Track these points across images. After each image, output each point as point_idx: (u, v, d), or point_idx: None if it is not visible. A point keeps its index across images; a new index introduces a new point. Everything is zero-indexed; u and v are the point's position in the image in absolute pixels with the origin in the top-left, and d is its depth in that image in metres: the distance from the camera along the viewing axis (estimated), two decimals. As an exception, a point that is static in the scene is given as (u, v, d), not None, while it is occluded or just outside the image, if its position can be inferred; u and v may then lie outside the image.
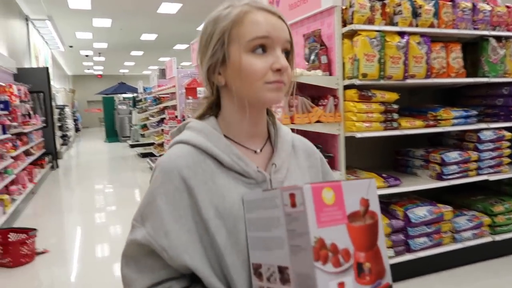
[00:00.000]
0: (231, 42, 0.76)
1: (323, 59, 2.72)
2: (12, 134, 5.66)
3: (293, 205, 0.62)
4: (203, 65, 0.82)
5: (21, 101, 7.24)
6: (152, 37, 14.69)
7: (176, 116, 7.32)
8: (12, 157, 5.33)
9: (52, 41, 14.17)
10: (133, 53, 18.63)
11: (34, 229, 3.54)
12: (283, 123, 2.61)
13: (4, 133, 5.07)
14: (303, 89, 3.05)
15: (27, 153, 7.04)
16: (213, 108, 0.86)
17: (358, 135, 2.61)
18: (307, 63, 2.86)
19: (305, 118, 2.58)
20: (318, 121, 2.63)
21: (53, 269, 3.49)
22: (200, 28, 0.87)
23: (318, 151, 1.00)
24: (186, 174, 0.77)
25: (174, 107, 7.58)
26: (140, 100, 12.39)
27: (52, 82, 14.47)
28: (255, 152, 0.85)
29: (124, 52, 18.11)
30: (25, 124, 7.35)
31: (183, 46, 16.34)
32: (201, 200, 0.77)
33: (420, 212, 2.90)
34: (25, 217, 5.13)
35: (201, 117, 0.87)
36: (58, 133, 11.63)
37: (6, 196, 4.63)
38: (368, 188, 0.68)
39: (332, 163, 2.79)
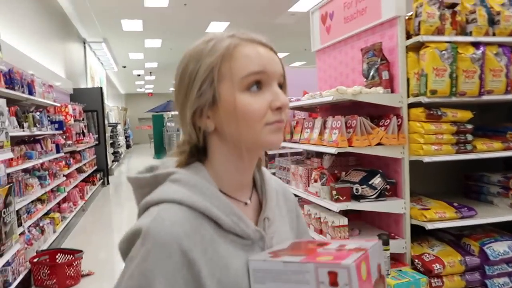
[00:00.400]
0: (222, 80, 0.66)
1: (384, 74, 2.46)
2: (65, 153, 5.83)
3: (334, 284, 0.57)
4: (186, 109, 0.69)
5: (76, 120, 7.52)
6: (200, 56, 14.96)
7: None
8: (64, 175, 5.46)
9: (107, 62, 14.90)
10: (182, 71, 19.09)
11: (81, 251, 3.51)
12: (340, 147, 2.40)
13: (58, 152, 5.21)
14: (360, 108, 2.79)
15: (79, 170, 7.26)
16: (196, 155, 0.73)
17: (426, 159, 2.30)
18: (365, 80, 2.61)
19: (364, 140, 2.32)
20: (378, 144, 2.36)
21: (98, 292, 3.42)
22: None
23: (292, 193, 0.93)
24: (186, 246, 0.62)
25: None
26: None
27: (106, 101, 15.13)
28: (245, 204, 0.75)
29: (173, 70, 18.44)
30: (79, 142, 7.61)
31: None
32: (204, 276, 0.62)
33: (500, 248, 2.50)
34: (75, 235, 5.20)
35: (183, 166, 0.72)
36: (110, 150, 12.04)
37: (57, 215, 4.71)
38: (379, 251, 0.66)
39: (394, 190, 2.49)
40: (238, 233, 0.68)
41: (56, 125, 5.24)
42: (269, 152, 5.21)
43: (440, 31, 2.30)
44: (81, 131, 8.08)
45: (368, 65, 2.56)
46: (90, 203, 7.25)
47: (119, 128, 16.30)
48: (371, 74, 2.53)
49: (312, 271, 0.58)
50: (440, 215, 2.33)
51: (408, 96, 2.40)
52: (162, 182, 0.68)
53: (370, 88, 2.44)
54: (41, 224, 4.28)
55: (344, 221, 2.40)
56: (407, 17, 2.42)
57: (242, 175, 0.73)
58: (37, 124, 4.25)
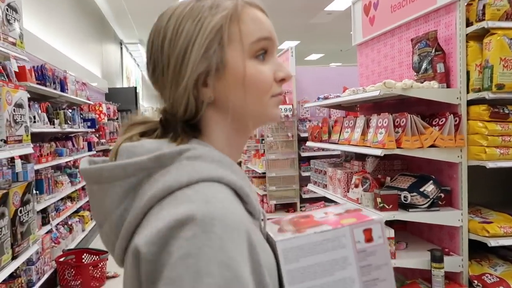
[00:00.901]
0: (230, 44, 0.58)
1: (439, 67, 2.16)
2: (97, 151, 5.82)
3: (369, 240, 0.61)
4: (182, 76, 0.58)
5: (110, 119, 7.56)
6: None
7: (255, 135, 7.05)
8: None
9: (143, 63, 15.11)
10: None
11: (106, 252, 3.40)
12: (387, 148, 2.12)
13: (90, 150, 5.18)
14: (409, 105, 2.50)
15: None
16: (190, 132, 0.61)
17: (490, 164, 1.98)
18: (416, 74, 2.31)
19: (416, 141, 2.03)
20: (432, 145, 2.06)
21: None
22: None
23: None
24: (248, 227, 0.51)
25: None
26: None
27: (140, 101, 15.38)
28: None
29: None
30: (112, 141, 7.65)
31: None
32: (262, 261, 0.51)
33: None
34: (105, 234, 5.15)
35: (175, 141, 0.59)
36: (144, 150, 12.14)
37: (86, 213, 4.66)
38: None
39: (449, 199, 2.17)
40: (256, 213, 0.59)
41: (89, 123, 5.22)
42: (303, 154, 4.97)
43: (509, 16, 1.98)
44: (115, 130, 8.14)
45: (420, 56, 2.27)
46: None
47: (153, 128, 16.51)
48: (424, 66, 2.23)
49: (348, 234, 0.61)
50: (505, 230, 2.00)
51: (467, 92, 2.09)
52: (171, 162, 0.54)
53: (423, 82, 2.15)
54: (69, 222, 4.23)
55: (391, 233, 2.12)
56: (467, 2, 2.12)
57: (238, 152, 0.66)
58: (68, 121, 4.21)
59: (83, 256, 3.41)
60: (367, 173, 2.33)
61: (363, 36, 3.13)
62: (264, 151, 5.05)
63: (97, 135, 6.58)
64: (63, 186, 3.94)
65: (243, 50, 0.58)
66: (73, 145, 4.52)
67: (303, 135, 4.82)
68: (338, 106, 3.33)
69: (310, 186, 3.22)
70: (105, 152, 6.88)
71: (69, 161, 4.36)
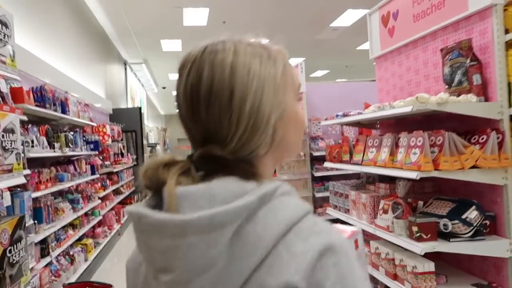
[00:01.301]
0: (286, 89, 0.62)
1: (476, 79, 1.94)
2: (101, 174, 5.62)
3: (356, 247, 0.72)
4: (261, 116, 0.57)
5: (114, 140, 7.39)
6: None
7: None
8: (100, 198, 5.22)
9: (147, 83, 15.08)
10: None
11: (110, 286, 3.14)
12: (423, 170, 1.88)
13: (94, 173, 4.98)
14: (439, 120, 2.27)
15: (116, 192, 7.06)
16: (247, 169, 0.58)
17: (542, 187, 1.74)
18: (447, 87, 2.10)
19: (455, 162, 1.80)
20: (473, 166, 1.83)
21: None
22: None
23: None
24: None
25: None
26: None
27: (145, 122, 15.27)
28: None
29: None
30: (117, 163, 7.45)
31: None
32: None
33: None
34: (108, 262, 4.89)
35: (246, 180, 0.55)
36: (149, 171, 11.93)
37: (89, 241, 4.42)
38: None
39: (493, 227, 1.93)
40: None
41: (92, 145, 5.03)
42: (316, 174, 4.73)
43: (555, 20, 1.78)
44: (119, 152, 7.96)
45: (452, 68, 2.06)
46: (126, 226, 6.99)
47: (158, 148, 16.34)
48: (457, 78, 2.02)
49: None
50: None
51: (510, 106, 1.87)
52: (269, 200, 0.53)
53: (458, 96, 1.93)
54: (71, 252, 3.98)
55: (430, 266, 1.87)
56: (505, 8, 1.92)
57: None
58: (70, 144, 4.02)
59: (85, 290, 3.17)
60: (399, 198, 2.09)
61: (381, 48, 2.93)
62: (275, 171, 4.82)
63: (101, 157, 6.40)
64: (64, 213, 3.72)
65: (294, 94, 0.64)
66: (75, 169, 4.32)
67: (315, 154, 4.60)
68: (356, 123, 3.11)
69: (330, 211, 2.97)
70: (109, 175, 6.69)
71: (71, 186, 4.15)
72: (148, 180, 0.56)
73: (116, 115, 8.52)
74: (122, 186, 7.41)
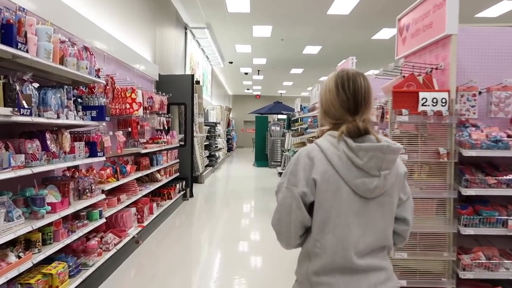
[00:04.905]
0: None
1: None
2: (108, 157, 3.93)
3: None
4: (371, 108, 1.33)
5: (153, 112, 5.75)
6: (315, 49, 12.66)
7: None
8: (103, 191, 3.54)
9: (213, 56, 13.51)
10: (293, 70, 17.11)
11: None
12: None
13: (94, 154, 3.28)
14: None
15: (144, 179, 5.41)
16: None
17: None
18: None
19: None
20: None
21: None
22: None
23: None
24: None
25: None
26: (297, 120, 10.24)
27: (209, 99, 13.67)
28: None
29: (284, 69, 16.71)
30: (154, 141, 5.81)
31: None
32: None
33: None
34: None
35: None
36: (204, 154, 10.35)
37: (60, 267, 2.70)
38: None
39: None
40: None
41: (94, 113, 3.33)
42: (465, 192, 2.59)
43: None
44: (162, 127, 6.32)
45: None
46: (151, 229, 4.99)
47: (219, 128, 14.78)
48: None
49: None
50: None
51: None
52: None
53: None
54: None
55: None
56: None
57: None
58: (27, 105, 2.32)
59: None
60: None
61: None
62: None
63: (127, 132, 4.76)
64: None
65: None
66: (45, 147, 2.62)
67: (466, 153, 2.42)
68: None
69: None
70: (137, 158, 5.05)
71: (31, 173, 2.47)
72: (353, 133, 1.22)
73: (164, 83, 6.89)
74: (159, 171, 5.76)
